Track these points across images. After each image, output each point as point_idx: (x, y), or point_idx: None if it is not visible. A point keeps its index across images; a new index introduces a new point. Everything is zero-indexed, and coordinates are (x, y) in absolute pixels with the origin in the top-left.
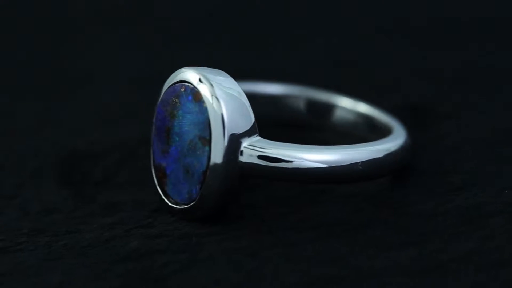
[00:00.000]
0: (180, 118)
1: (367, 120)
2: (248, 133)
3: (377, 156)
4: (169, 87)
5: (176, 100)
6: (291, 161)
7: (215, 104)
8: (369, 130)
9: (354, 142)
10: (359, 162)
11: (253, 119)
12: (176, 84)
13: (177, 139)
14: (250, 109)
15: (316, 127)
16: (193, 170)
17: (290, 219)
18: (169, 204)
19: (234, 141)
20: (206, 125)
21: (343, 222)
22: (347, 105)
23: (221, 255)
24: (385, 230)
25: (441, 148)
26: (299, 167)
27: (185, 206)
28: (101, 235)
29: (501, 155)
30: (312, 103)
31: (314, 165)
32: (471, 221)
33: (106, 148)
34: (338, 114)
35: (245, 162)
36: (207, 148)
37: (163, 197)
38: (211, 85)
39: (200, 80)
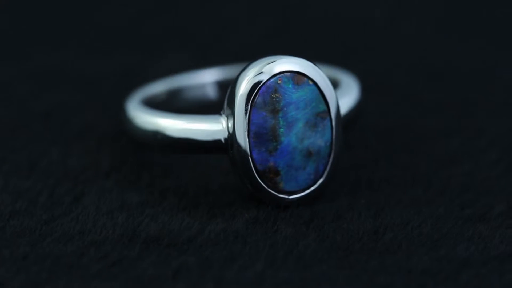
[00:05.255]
0: (285, 109)
1: None
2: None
3: None
4: (259, 88)
5: (276, 94)
6: None
7: (320, 77)
8: None
9: None
10: None
11: None
12: (269, 81)
13: (287, 130)
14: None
15: None
16: (317, 148)
17: None
18: (289, 198)
19: (339, 103)
20: (319, 99)
21: None
22: None
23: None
24: None
25: None
26: None
27: (308, 191)
28: None
29: None
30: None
31: None
32: None
33: None
34: None
35: (342, 117)
36: (327, 120)
37: (279, 195)
38: (304, 64)
39: (292, 65)
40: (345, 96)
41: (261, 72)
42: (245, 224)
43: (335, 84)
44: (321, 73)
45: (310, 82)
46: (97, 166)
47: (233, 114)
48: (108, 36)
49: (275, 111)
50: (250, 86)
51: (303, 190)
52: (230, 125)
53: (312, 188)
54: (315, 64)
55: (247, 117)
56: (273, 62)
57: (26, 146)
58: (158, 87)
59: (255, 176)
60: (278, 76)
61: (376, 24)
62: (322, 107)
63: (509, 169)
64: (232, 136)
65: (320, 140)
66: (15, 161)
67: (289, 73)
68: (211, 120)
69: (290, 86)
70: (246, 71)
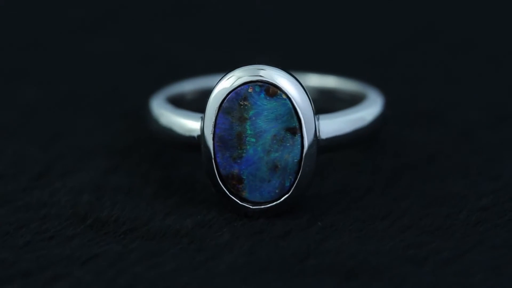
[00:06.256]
0: (253, 118)
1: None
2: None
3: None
4: (229, 93)
5: (245, 102)
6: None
7: (295, 93)
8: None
9: None
10: None
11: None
12: (239, 88)
13: (254, 140)
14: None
15: None
16: (284, 164)
17: None
18: (251, 207)
19: (317, 123)
20: (291, 115)
21: None
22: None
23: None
24: None
25: None
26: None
27: (273, 204)
28: None
29: None
30: None
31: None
32: None
33: None
34: None
35: (324, 139)
36: (297, 137)
37: (241, 203)
38: (283, 76)
39: (267, 76)
40: (367, 108)
41: (235, 78)
42: (193, 224)
43: (360, 99)
44: (301, 89)
45: (284, 96)
46: (109, 148)
47: (204, 114)
48: (215, 29)
49: (242, 119)
50: (222, 90)
51: (267, 203)
52: (202, 125)
53: (276, 203)
54: (296, 80)
55: (214, 120)
56: (249, 70)
57: (68, 119)
58: (188, 86)
59: (217, 180)
60: (250, 84)
61: (462, 59)
62: (294, 123)
63: (485, 219)
64: (201, 136)
65: (287, 155)
66: (47, 131)
67: (261, 83)
68: (193, 117)
69: (262, 96)
70: (225, 76)
